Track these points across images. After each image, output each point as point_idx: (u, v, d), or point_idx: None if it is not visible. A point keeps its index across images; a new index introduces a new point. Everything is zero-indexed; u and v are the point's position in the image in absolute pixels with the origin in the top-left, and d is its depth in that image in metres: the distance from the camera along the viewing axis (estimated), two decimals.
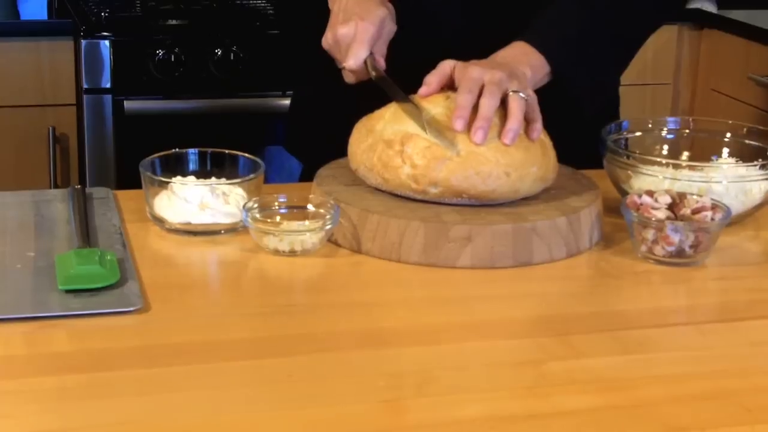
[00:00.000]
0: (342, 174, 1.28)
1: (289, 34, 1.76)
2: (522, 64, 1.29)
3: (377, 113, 1.27)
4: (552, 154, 1.25)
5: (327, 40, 1.35)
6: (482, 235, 1.16)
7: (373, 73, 1.30)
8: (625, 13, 1.40)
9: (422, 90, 1.24)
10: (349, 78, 1.33)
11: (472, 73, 1.22)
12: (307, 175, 1.57)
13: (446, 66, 1.25)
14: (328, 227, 1.18)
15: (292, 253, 1.17)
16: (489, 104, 1.19)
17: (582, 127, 1.40)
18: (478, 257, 1.16)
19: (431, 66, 1.27)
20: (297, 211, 1.21)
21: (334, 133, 1.32)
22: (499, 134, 1.20)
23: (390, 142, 1.21)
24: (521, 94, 1.22)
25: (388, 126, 1.23)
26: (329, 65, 1.40)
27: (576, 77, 1.36)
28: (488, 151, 1.18)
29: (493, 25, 1.41)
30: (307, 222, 1.19)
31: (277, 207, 1.22)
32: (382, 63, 1.32)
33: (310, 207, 1.22)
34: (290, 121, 1.70)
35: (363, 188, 1.24)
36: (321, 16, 1.42)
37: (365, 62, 1.31)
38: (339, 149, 1.31)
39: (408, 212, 1.18)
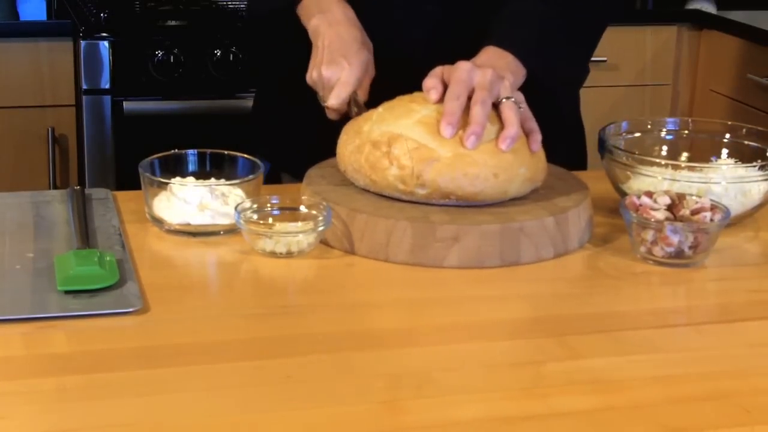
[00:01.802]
0: (331, 174, 1.28)
1: (254, 38, 1.77)
2: (503, 69, 1.29)
3: (365, 114, 1.27)
4: (541, 155, 1.25)
5: (312, 77, 1.37)
6: (469, 235, 1.16)
7: (355, 110, 1.33)
8: (580, 2, 1.42)
9: (432, 95, 1.22)
10: (331, 115, 1.36)
11: (460, 75, 1.22)
12: (273, 177, 1.58)
13: (438, 69, 1.25)
14: (320, 228, 1.18)
15: (290, 254, 1.17)
16: (482, 111, 1.19)
17: (559, 126, 1.41)
18: (465, 257, 1.16)
19: (399, 78, 1.29)
20: (289, 212, 1.22)
21: (299, 132, 1.33)
22: (497, 137, 1.20)
23: (377, 143, 1.21)
24: (512, 99, 1.22)
25: (375, 127, 1.23)
26: (295, 70, 1.41)
27: (548, 73, 1.37)
28: (476, 153, 1.18)
29: (463, 35, 1.42)
30: (299, 223, 1.19)
31: (269, 208, 1.22)
32: (362, 101, 1.35)
33: (303, 208, 1.22)
34: (253, 121, 1.71)
35: (352, 188, 1.24)
36: (290, 25, 1.45)
37: (348, 101, 1.34)
38: (305, 149, 1.33)
39: (396, 212, 1.18)
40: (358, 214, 1.18)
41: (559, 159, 1.34)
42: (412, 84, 1.26)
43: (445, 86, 1.23)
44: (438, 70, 1.25)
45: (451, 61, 1.25)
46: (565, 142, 1.39)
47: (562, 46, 1.41)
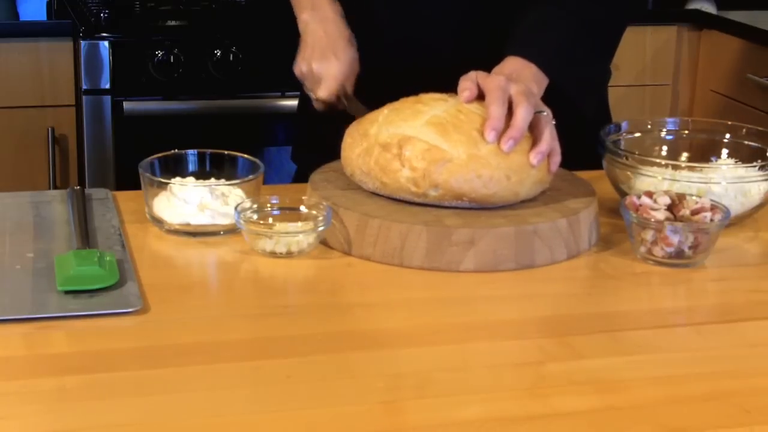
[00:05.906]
0: (336, 178, 1.28)
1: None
2: (529, 80, 1.29)
3: (369, 116, 1.27)
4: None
5: (301, 70, 1.45)
6: (485, 239, 1.16)
7: (345, 102, 1.41)
8: (601, 8, 1.42)
9: (465, 96, 1.23)
10: (318, 106, 1.45)
11: (498, 83, 1.22)
12: (300, 178, 1.58)
13: (473, 74, 1.25)
14: (320, 228, 1.18)
15: (290, 254, 1.17)
16: (525, 117, 1.20)
17: (577, 128, 1.41)
18: (481, 261, 1.16)
19: (416, 78, 1.30)
20: (289, 212, 1.21)
21: (338, 139, 1.33)
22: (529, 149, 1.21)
23: (387, 145, 1.20)
24: (545, 114, 1.23)
25: (383, 129, 1.22)
26: None
27: (570, 80, 1.37)
28: (489, 154, 1.18)
29: (481, 37, 1.44)
30: (299, 223, 1.19)
31: (269, 208, 1.22)
32: (351, 92, 1.42)
33: (303, 208, 1.22)
34: (296, 129, 1.73)
35: (359, 192, 1.24)
36: None
37: (337, 94, 1.41)
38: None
39: (409, 216, 1.18)
40: (370, 219, 1.17)
41: (577, 164, 1.34)
42: (429, 85, 1.27)
43: (479, 90, 1.23)
44: (473, 75, 1.25)
45: (468, 64, 1.26)
46: (584, 146, 1.38)
47: (582, 52, 1.41)
